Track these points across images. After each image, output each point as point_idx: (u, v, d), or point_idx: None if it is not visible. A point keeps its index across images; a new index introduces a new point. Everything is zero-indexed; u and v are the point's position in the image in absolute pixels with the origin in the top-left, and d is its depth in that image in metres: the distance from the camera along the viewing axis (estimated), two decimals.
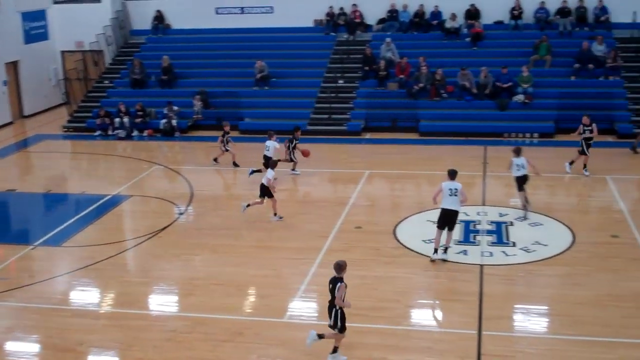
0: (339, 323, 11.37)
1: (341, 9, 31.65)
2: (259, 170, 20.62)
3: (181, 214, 19.05)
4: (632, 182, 20.60)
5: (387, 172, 22.00)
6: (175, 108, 27.97)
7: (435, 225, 15.22)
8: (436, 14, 30.76)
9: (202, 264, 15.69)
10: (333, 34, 31.64)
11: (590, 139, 20.74)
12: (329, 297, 11.41)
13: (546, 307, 13.41)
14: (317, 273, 14.85)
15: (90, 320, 13.31)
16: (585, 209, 18.89)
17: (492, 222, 17.43)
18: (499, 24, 30.56)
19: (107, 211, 19.33)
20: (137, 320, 13.21)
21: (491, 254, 15.55)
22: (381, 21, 31.60)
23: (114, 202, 20.08)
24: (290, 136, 21.93)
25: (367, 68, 28.87)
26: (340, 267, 11.32)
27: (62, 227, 18.15)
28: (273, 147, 20.78)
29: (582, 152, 20.82)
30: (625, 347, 11.73)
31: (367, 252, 15.86)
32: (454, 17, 30.09)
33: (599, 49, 27.38)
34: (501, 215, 17.90)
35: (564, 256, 15.49)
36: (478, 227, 17.11)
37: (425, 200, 19.23)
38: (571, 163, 21.03)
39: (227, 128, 23.02)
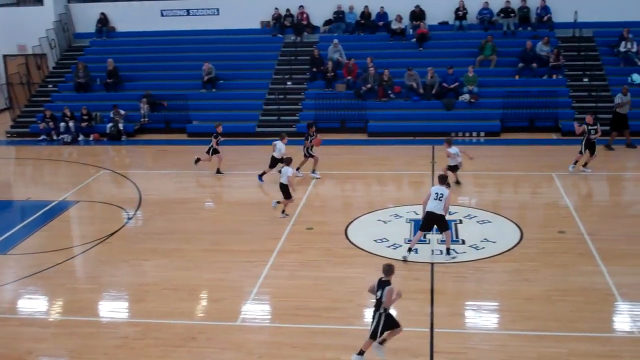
0: (378, 328, 11.10)
1: (287, 10, 31.65)
2: (263, 173, 20.94)
3: (130, 218, 18.80)
4: (577, 178, 20.99)
5: (337, 172, 22.05)
6: (122, 112, 27.62)
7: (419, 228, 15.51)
8: (382, 15, 30.99)
9: (153, 269, 15.50)
10: (280, 35, 31.64)
11: (594, 138, 21.06)
12: (374, 300, 11.25)
13: (496, 303, 13.59)
14: (269, 275, 14.80)
15: (39, 329, 13.04)
16: (533, 205, 19.19)
17: None
18: (443, 24, 30.93)
19: (53, 217, 18.97)
20: (87, 327, 12.98)
21: (441, 252, 15.69)
22: (328, 22, 31.71)
23: (60, 208, 19.72)
24: (306, 134, 21.68)
25: (314, 69, 28.94)
26: (389, 269, 11.19)
27: (7, 234, 17.74)
28: (281, 149, 20.56)
29: (581, 152, 21.05)
30: (575, 341, 11.95)
31: (319, 252, 15.87)
32: (399, 18, 30.34)
33: (544, 49, 27.91)
34: (450, 213, 18.04)
35: (512, 253, 15.72)
36: None
37: (375, 200, 19.42)
38: (585, 165, 21.32)
39: (219, 129, 22.25)
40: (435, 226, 15.34)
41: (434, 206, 15.10)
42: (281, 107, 27.99)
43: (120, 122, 27.40)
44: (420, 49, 29.76)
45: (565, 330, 12.33)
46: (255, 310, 13.57)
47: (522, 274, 14.63)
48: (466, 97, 26.90)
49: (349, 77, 28.13)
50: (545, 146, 24.29)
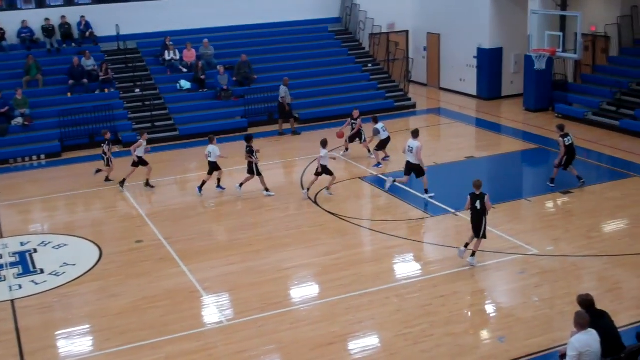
0: (484, 231, 14.50)
1: None
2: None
3: None
4: (142, 187, 21.23)
5: None
6: None
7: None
8: None
9: None
10: None
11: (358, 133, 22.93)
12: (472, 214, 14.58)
13: (88, 326, 13.28)
14: None
15: None
16: (107, 221, 19.04)
17: (14, 253, 16.58)
18: None
19: None
20: None
21: (20, 287, 14.82)
22: None
23: None
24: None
25: None
26: (480, 183, 14.43)
27: None
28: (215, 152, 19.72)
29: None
30: (171, 344, 12.23)
31: None
32: None
33: (88, 63, 27.82)
34: (23, 244, 17.13)
35: (94, 271, 15.49)
36: (1, 261, 16.13)
37: None
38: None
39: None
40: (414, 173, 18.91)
41: (409, 157, 18.68)
42: None
43: None
44: None
45: (160, 335, 12.58)
46: None
47: (108, 291, 14.52)
48: (19, 120, 25.60)
49: None
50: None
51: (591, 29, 28.75)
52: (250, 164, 19.63)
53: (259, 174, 19.65)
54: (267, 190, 19.69)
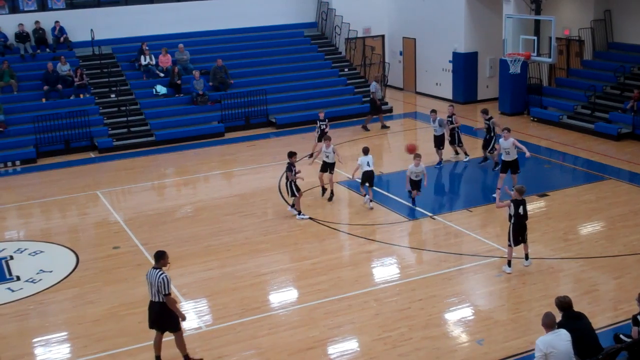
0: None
1: None
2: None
3: None
4: (121, 193, 21.25)
5: None
6: None
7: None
8: None
9: None
10: None
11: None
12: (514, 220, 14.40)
13: (65, 333, 13.17)
14: None
15: None
16: (83, 227, 18.91)
17: None
18: None
19: None
20: None
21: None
22: None
23: None
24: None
25: None
26: (523, 191, 14.45)
27: None
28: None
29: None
30: (148, 350, 12.11)
31: None
32: None
33: (63, 69, 27.60)
34: None
35: (71, 278, 15.36)
36: None
37: None
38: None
39: (321, 115, 23.40)
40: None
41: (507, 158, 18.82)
42: None
43: None
44: None
45: (137, 342, 12.50)
46: None
47: (85, 297, 14.40)
48: None
49: None
50: (85, 166, 24.15)
51: (565, 33, 29.07)
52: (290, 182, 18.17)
53: (294, 195, 18.20)
54: (299, 212, 18.28)
